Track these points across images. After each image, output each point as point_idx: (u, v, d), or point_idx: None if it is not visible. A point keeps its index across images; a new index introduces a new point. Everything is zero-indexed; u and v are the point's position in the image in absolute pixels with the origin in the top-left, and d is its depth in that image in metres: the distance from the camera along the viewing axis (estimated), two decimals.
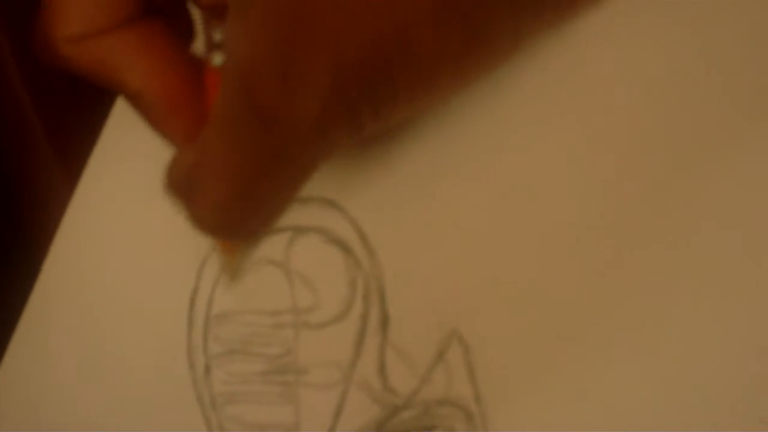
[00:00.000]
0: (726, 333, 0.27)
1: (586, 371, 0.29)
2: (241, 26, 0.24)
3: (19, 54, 0.42)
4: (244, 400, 0.32)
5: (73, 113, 0.41)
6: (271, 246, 0.32)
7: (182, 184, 0.26)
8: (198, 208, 0.26)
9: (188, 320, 0.33)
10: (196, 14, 0.30)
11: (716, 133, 0.28)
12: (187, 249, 0.34)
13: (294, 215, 0.32)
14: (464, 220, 0.30)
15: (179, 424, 0.33)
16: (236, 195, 0.25)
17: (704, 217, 0.28)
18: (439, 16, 0.24)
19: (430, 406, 0.30)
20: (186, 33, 0.30)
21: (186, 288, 0.34)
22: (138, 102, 0.28)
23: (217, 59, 0.27)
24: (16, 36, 0.42)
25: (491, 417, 0.30)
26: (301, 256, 0.32)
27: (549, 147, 0.30)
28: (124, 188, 0.36)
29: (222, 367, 0.33)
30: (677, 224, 0.28)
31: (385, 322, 0.31)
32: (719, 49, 0.28)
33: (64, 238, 0.36)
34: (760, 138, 0.28)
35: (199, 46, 0.30)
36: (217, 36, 0.27)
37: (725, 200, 0.28)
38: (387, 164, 0.31)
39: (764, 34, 0.28)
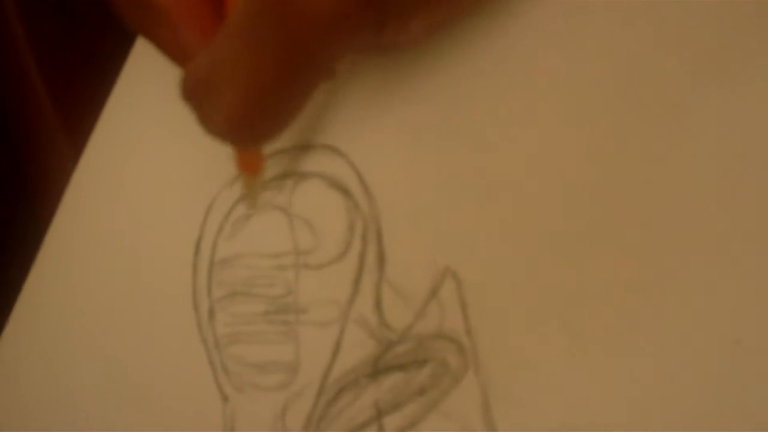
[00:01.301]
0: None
1: (577, 308, 0.30)
2: None
3: (26, 18, 0.42)
4: (247, 341, 0.33)
5: (79, 81, 0.42)
6: (275, 191, 0.34)
7: (197, 89, 0.26)
8: (212, 111, 0.26)
9: (193, 266, 0.35)
10: None
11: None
12: (192, 199, 0.35)
13: (297, 162, 0.34)
14: (459, 163, 0.31)
15: (184, 365, 0.34)
16: (251, 96, 0.25)
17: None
18: None
19: (423, 340, 0.31)
20: None
21: (191, 236, 0.35)
22: (164, 24, 0.28)
23: None
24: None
25: (482, 349, 0.31)
26: (303, 200, 0.33)
27: (550, 90, 0.31)
28: (130, 143, 0.37)
29: (225, 309, 0.34)
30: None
31: (381, 260, 0.32)
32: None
33: (73, 192, 0.37)
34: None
35: None
36: None
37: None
38: (386, 111, 0.33)
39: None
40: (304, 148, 0.33)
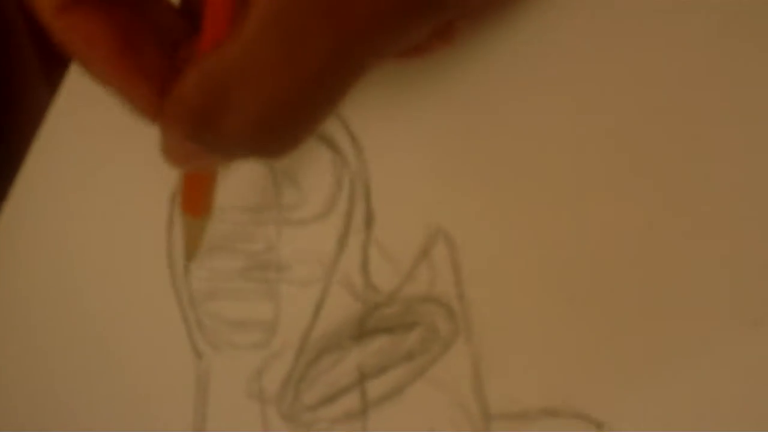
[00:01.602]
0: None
1: (575, 278, 0.29)
2: None
3: (27, 11, 0.41)
4: (224, 297, 0.32)
5: None
6: None
7: (203, 101, 0.24)
8: (232, 121, 0.23)
9: (168, 219, 0.33)
10: None
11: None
12: None
13: None
14: (452, 121, 0.30)
15: (157, 321, 0.33)
16: (285, 100, 0.23)
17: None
18: None
19: (412, 303, 0.30)
20: None
21: (167, 188, 0.33)
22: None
23: None
24: None
25: (474, 315, 0.30)
26: None
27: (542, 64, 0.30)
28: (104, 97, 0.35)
29: (202, 264, 0.32)
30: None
31: (369, 219, 0.31)
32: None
33: (44, 142, 0.35)
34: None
35: None
36: None
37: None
38: (383, 73, 0.31)
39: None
40: None
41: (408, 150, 0.31)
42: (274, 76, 0.23)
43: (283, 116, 0.23)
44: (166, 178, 0.33)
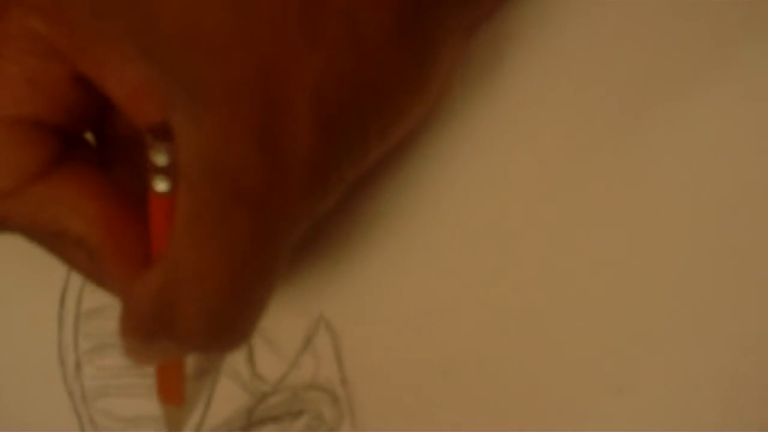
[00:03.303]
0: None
1: (456, 354, 0.30)
2: (207, 120, 0.22)
3: None
4: (115, 394, 0.32)
5: None
6: None
7: (153, 312, 0.24)
8: (185, 324, 0.24)
9: (58, 319, 0.33)
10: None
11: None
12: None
13: None
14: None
15: (50, 420, 0.33)
16: (228, 293, 0.24)
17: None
18: (396, 41, 0.24)
19: (297, 391, 0.31)
20: (108, 163, 0.27)
21: (55, 286, 0.34)
22: (80, 249, 0.26)
23: (161, 185, 0.24)
24: None
25: (357, 399, 0.30)
26: None
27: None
28: None
29: (93, 362, 0.33)
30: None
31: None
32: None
33: None
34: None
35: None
36: (161, 159, 0.24)
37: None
38: None
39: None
40: None
41: None
42: (208, 275, 0.24)
43: (228, 310, 0.24)
44: (53, 276, 0.33)
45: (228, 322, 0.25)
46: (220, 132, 0.22)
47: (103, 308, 0.33)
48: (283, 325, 0.31)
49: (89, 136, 0.28)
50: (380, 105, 0.25)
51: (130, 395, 0.32)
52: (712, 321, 0.28)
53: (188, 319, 0.24)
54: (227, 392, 0.31)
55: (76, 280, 0.33)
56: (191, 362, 0.31)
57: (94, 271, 0.27)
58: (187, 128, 0.23)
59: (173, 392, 0.30)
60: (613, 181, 0.29)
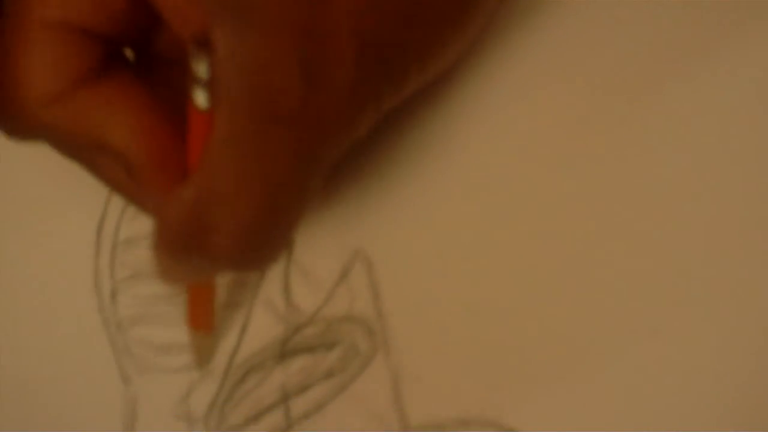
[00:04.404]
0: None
1: (484, 290, 0.30)
2: (251, 36, 0.22)
3: None
4: (151, 322, 0.32)
5: None
6: None
7: (186, 227, 0.24)
8: (217, 240, 0.24)
9: (95, 246, 0.34)
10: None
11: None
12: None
13: None
14: (372, 144, 0.31)
15: (84, 349, 0.33)
16: (262, 210, 0.24)
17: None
18: None
19: (332, 323, 0.31)
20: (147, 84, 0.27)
21: (94, 215, 0.34)
22: (119, 163, 0.26)
23: (201, 99, 0.24)
24: None
25: (392, 333, 0.31)
26: None
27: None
28: None
29: (128, 291, 0.33)
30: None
31: (290, 243, 0.31)
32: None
33: None
34: None
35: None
36: (202, 70, 0.23)
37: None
38: None
39: None
40: None
41: None
42: (244, 192, 0.24)
43: (262, 228, 0.24)
44: (92, 204, 0.34)
45: (260, 241, 0.25)
46: (263, 50, 0.23)
47: (141, 238, 0.33)
48: (319, 257, 0.31)
49: (130, 55, 0.28)
50: (422, 37, 0.25)
51: (166, 323, 0.32)
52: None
53: (221, 235, 0.24)
54: (262, 323, 0.31)
55: (115, 209, 0.33)
56: (223, 292, 0.32)
57: (131, 188, 0.27)
58: (230, 43, 0.23)
59: (203, 319, 0.31)
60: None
